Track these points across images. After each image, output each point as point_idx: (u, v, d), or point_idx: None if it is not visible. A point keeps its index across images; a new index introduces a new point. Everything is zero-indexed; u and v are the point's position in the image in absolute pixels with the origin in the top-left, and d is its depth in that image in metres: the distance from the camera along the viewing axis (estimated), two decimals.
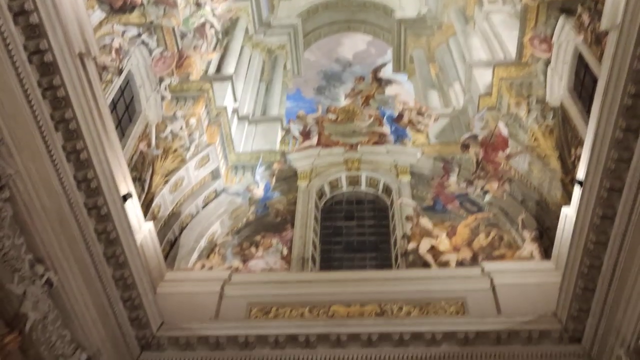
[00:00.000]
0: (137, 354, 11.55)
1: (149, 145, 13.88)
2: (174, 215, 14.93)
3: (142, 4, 13.80)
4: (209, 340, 11.60)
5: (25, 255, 8.73)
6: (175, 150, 14.67)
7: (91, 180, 9.66)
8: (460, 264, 13.54)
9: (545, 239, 13.50)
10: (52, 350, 9.44)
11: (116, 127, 11.66)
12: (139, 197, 12.55)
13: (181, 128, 14.74)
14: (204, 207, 15.85)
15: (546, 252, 13.16)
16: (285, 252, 14.64)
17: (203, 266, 14.29)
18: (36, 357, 9.05)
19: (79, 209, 9.58)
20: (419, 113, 17.41)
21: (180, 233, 15.09)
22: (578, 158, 11.69)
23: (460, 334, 11.22)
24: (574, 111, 13.02)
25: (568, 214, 11.62)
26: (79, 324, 9.97)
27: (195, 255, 14.87)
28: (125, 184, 11.18)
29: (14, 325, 8.49)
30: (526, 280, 12.22)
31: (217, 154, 15.98)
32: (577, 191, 11.05)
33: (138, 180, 13.00)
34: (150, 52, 14.46)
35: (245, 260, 14.46)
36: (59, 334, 9.56)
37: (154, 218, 13.51)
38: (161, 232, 13.74)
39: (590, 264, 9.92)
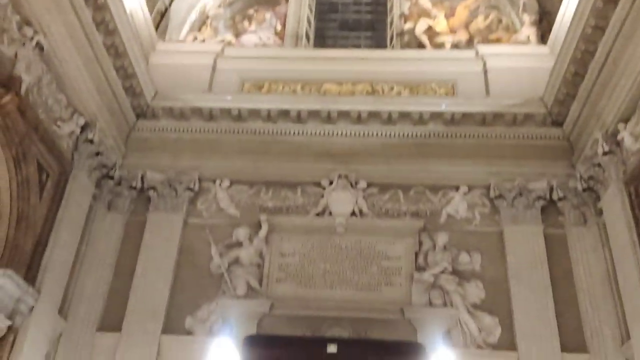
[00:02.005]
0: (132, 121, 11.92)
1: None
2: None
3: None
4: (202, 112, 11.90)
5: (12, 15, 8.51)
6: None
7: None
8: (455, 46, 13.42)
9: (544, 23, 13.20)
10: (49, 113, 9.70)
11: None
12: None
13: None
14: None
15: (543, 38, 12.99)
16: (279, 27, 14.33)
17: (195, 38, 14.09)
18: (34, 119, 9.30)
19: None
20: None
21: (171, 3, 14.57)
22: None
23: (447, 115, 11.56)
24: None
25: None
26: (74, 89, 10.12)
27: (186, 27, 14.54)
28: None
29: (9, 86, 8.59)
30: (519, 64, 12.25)
31: None
32: None
33: None
34: None
35: (237, 34, 14.22)
36: (55, 98, 9.75)
37: None
38: (150, 1, 13.25)
39: (585, 49, 9.86)
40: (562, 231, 10.64)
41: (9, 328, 8.77)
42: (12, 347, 8.76)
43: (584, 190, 10.48)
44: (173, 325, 10.11)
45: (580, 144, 10.70)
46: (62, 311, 9.89)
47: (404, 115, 11.68)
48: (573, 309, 9.92)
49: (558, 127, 11.31)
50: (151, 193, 11.31)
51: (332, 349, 9.05)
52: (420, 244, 10.73)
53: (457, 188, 11.19)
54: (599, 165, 9.96)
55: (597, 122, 10.03)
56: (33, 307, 9.06)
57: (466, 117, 11.56)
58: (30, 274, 9.17)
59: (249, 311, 10.09)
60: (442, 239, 10.69)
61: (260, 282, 10.48)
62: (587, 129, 10.45)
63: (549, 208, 10.88)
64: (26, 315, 8.98)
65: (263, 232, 10.84)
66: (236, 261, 10.63)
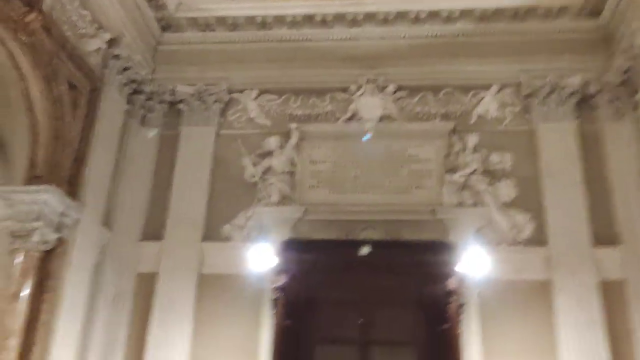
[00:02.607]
0: (158, 35, 11.87)
1: None
2: None
3: None
4: (226, 21, 11.76)
5: None
6: None
7: None
8: None
9: None
10: (75, 30, 9.72)
11: None
12: None
13: None
14: None
15: None
16: None
17: None
18: (60, 37, 9.34)
19: None
20: None
21: None
22: None
23: (478, 11, 11.16)
24: None
25: None
26: (97, 4, 10.07)
27: None
28: None
29: (32, 4, 8.60)
30: None
31: None
32: None
33: None
34: None
35: None
36: (79, 14, 9.73)
37: None
38: None
39: None
40: (596, 127, 10.46)
41: (58, 241, 9.27)
42: (62, 258, 9.28)
43: (620, 84, 10.17)
44: (212, 232, 10.52)
45: (618, 34, 10.27)
46: (106, 223, 10.35)
47: (433, 14, 11.32)
48: (606, 204, 9.92)
49: (594, 18, 10.83)
50: (182, 106, 11.45)
51: (365, 250, 9.31)
52: (451, 145, 10.71)
53: (487, 88, 10.99)
54: (637, 56, 9.59)
55: (637, 10, 9.56)
56: (78, 220, 9.50)
57: (497, 13, 11.14)
58: (72, 189, 9.54)
59: (283, 217, 10.39)
60: (472, 140, 10.65)
61: (293, 190, 10.71)
62: (625, 18, 9.99)
63: (583, 104, 10.64)
64: (72, 228, 9.44)
65: (293, 140, 10.96)
66: (269, 170, 10.84)
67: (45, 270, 9.13)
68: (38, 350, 8.71)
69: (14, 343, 8.45)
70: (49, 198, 9.04)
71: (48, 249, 9.13)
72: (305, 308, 9.17)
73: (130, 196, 10.76)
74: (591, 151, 10.28)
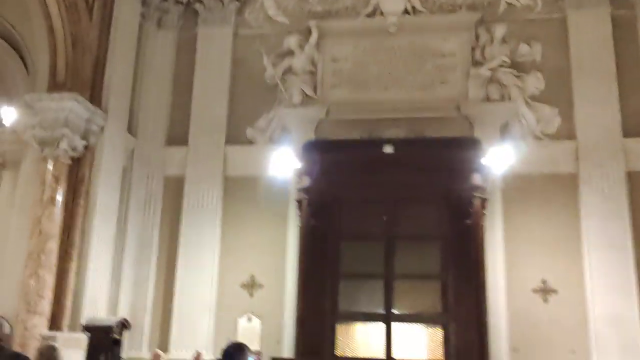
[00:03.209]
0: None
1: None
2: None
3: None
4: None
5: None
6: None
7: None
8: None
9: None
10: None
11: None
12: None
13: None
14: None
15: None
16: None
17: None
18: None
19: None
20: None
21: None
22: None
23: None
24: None
25: None
26: None
27: None
28: None
29: None
30: None
31: None
32: None
33: None
34: None
35: None
36: None
37: None
38: None
39: None
40: (631, 12, 9.90)
41: (86, 148, 9.44)
42: (91, 164, 9.49)
43: None
44: (235, 136, 10.56)
45: None
46: (131, 129, 10.45)
47: None
48: (638, 94, 9.58)
49: None
50: (197, 6, 11.14)
51: (389, 149, 9.25)
52: (477, 37, 10.32)
53: None
54: None
55: None
56: (103, 127, 9.60)
57: None
58: (95, 96, 9.59)
59: (305, 118, 10.33)
60: (500, 30, 10.22)
61: (315, 89, 10.56)
62: None
63: None
64: (98, 134, 9.57)
65: (313, 38, 10.67)
66: (289, 70, 10.66)
67: (76, 177, 9.38)
68: (76, 253, 9.12)
69: (53, 246, 8.85)
70: (74, 105, 9.11)
71: (77, 156, 9.34)
72: (331, 208, 9.27)
73: (152, 101, 10.76)
74: (625, 39, 9.80)
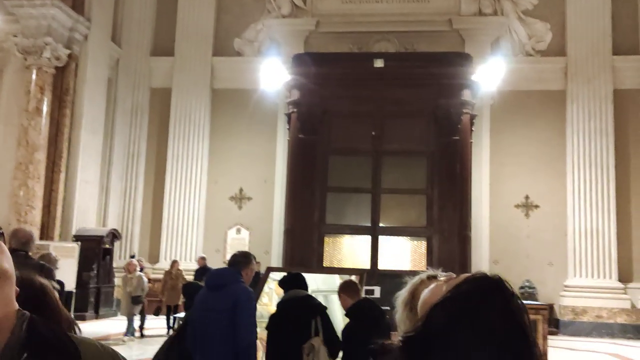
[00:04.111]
0: None
1: None
2: None
3: None
4: None
5: None
6: None
7: None
8: None
9: None
10: None
11: None
12: None
13: None
14: None
15: None
16: None
17: None
18: None
19: None
20: None
21: None
22: None
23: None
24: None
25: None
26: None
27: None
28: None
29: None
30: None
31: None
32: None
33: None
34: None
35: None
36: None
37: None
38: None
39: None
40: None
41: (70, 57, 9.21)
42: (75, 74, 9.30)
43: None
44: (222, 47, 10.36)
45: None
46: (115, 39, 10.18)
47: None
48: (630, 12, 9.48)
49: None
50: None
51: (379, 63, 9.13)
52: None
53: None
54: None
55: None
56: (87, 35, 9.34)
57: None
58: (78, 3, 9.28)
59: (294, 30, 10.12)
60: None
61: (305, 0, 10.28)
62: None
63: None
64: (82, 43, 9.32)
65: None
66: None
67: (61, 87, 9.21)
68: (64, 164, 9.10)
69: (41, 157, 8.81)
70: (56, 13, 8.82)
71: (61, 65, 9.12)
72: (320, 121, 9.23)
73: (136, 10, 10.44)
74: None
